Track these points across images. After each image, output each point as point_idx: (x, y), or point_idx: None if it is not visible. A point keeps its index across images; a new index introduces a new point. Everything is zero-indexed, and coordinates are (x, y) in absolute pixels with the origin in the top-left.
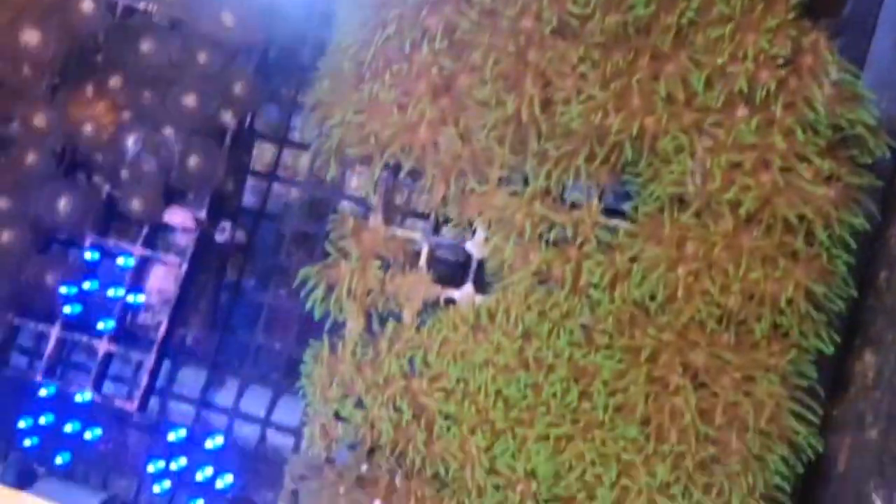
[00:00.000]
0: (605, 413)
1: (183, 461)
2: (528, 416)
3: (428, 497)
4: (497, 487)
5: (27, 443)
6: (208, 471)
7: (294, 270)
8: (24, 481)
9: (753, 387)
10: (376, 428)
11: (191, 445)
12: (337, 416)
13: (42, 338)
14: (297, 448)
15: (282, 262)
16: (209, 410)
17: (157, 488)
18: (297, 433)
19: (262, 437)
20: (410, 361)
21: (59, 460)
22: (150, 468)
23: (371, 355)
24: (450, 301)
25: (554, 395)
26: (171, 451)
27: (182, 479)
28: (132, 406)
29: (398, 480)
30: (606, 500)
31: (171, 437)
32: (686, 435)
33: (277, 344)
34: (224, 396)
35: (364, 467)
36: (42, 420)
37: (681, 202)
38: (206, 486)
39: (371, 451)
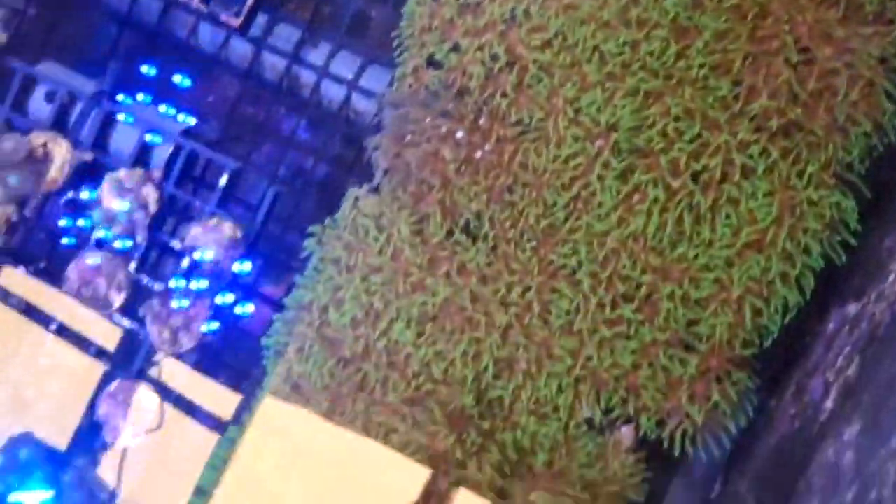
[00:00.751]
0: (700, 70)
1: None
2: (622, 72)
3: (509, 138)
4: (577, 139)
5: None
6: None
7: None
8: (118, 90)
9: (853, 59)
10: (468, 73)
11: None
12: (429, 62)
13: None
14: (379, 112)
15: None
16: (300, 66)
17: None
18: (380, 100)
19: (347, 99)
20: (512, 11)
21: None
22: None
23: (474, 0)
24: None
25: (651, 52)
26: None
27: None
28: (236, 22)
29: (483, 120)
30: (683, 153)
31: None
32: (777, 95)
33: (374, 11)
34: (316, 56)
35: (451, 105)
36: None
37: None
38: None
39: (460, 94)
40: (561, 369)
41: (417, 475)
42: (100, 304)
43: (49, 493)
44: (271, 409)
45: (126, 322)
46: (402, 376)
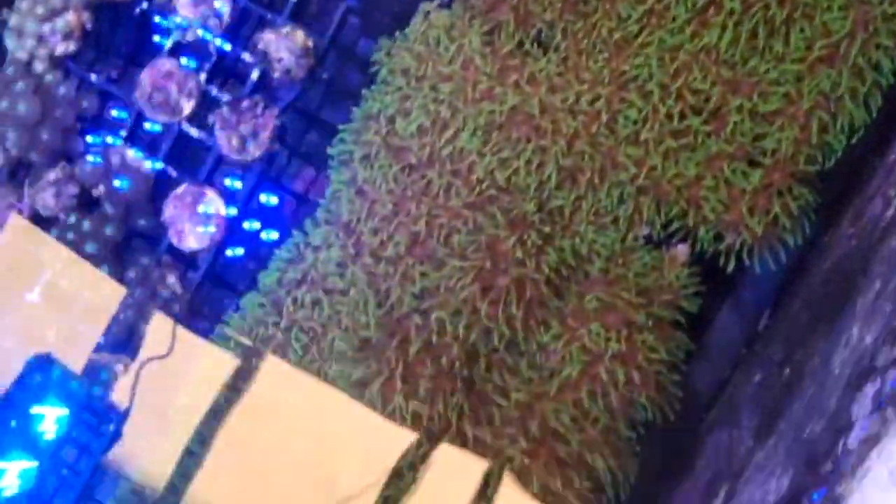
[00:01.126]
0: None
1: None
2: None
3: None
4: None
5: None
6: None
7: None
8: None
9: None
10: None
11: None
12: None
13: None
14: None
15: None
16: None
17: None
18: None
19: None
20: None
21: None
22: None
23: None
24: None
25: None
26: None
27: None
28: None
29: None
30: None
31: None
32: None
33: None
34: None
35: None
36: None
37: None
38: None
39: None
40: (624, 178)
41: (401, 439)
42: (170, 111)
43: (65, 410)
44: (274, 369)
45: (194, 131)
46: (465, 183)
